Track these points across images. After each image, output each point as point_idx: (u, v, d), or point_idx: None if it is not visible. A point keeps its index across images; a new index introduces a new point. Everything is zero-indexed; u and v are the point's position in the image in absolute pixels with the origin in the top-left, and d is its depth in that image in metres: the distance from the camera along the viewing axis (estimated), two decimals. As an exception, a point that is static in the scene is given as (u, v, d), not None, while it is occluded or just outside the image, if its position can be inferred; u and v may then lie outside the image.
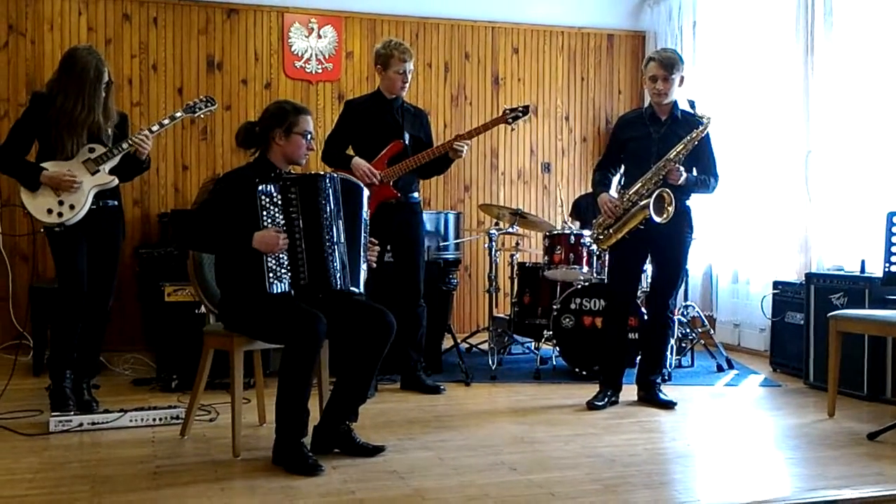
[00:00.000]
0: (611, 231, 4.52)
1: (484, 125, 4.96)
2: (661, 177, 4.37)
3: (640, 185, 4.42)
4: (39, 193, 4.09)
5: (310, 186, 3.51)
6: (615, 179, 4.73)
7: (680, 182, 4.35)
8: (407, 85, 4.83)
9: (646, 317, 4.84)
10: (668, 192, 4.33)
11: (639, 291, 4.99)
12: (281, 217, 3.46)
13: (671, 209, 4.32)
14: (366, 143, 4.78)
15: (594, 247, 5.20)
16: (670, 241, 4.51)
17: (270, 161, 3.59)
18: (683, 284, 5.80)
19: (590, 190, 5.42)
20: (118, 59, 6.19)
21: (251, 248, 3.37)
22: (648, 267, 4.88)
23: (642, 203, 4.37)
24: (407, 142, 4.81)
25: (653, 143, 4.45)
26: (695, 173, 4.48)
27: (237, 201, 3.45)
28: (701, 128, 4.38)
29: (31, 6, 6.08)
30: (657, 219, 4.33)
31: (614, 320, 4.64)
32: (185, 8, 6.39)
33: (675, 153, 4.36)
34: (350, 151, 4.84)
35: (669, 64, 4.42)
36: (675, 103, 4.51)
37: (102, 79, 4.14)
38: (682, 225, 4.52)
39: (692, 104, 4.43)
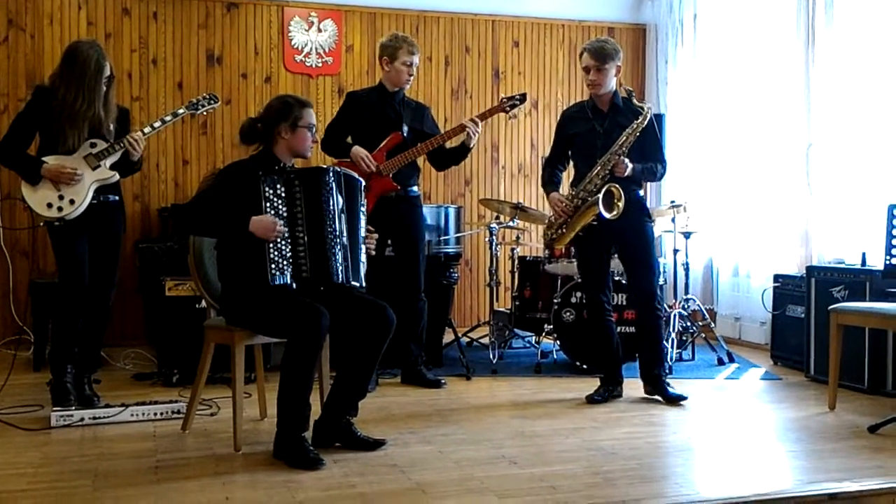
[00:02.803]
0: (563, 230, 4.52)
1: (482, 114, 4.94)
2: (607, 171, 4.37)
3: (587, 181, 4.42)
4: (40, 187, 4.08)
5: (314, 180, 3.52)
6: (564, 175, 4.71)
7: (626, 174, 4.34)
8: (412, 78, 4.84)
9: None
10: (617, 186, 4.31)
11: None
12: (284, 209, 3.47)
13: (621, 204, 4.30)
14: (366, 135, 4.78)
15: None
16: (633, 235, 4.49)
17: (275, 155, 3.60)
18: (685, 278, 5.80)
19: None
20: (118, 54, 6.17)
21: (249, 234, 3.37)
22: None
23: (591, 199, 4.37)
24: (406, 134, 4.81)
25: (598, 136, 4.44)
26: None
27: (240, 192, 3.46)
28: (640, 118, 4.36)
29: (31, 1, 6.07)
30: (607, 214, 4.31)
31: (594, 316, 4.64)
32: (184, 2, 6.38)
33: (618, 146, 4.36)
34: (349, 142, 4.84)
35: (601, 54, 4.39)
36: (615, 93, 4.50)
37: (103, 73, 4.14)
38: (639, 216, 4.51)
39: (630, 93, 4.44)
